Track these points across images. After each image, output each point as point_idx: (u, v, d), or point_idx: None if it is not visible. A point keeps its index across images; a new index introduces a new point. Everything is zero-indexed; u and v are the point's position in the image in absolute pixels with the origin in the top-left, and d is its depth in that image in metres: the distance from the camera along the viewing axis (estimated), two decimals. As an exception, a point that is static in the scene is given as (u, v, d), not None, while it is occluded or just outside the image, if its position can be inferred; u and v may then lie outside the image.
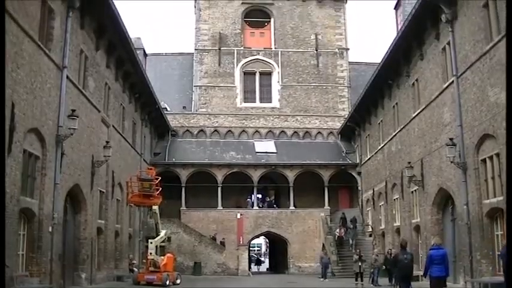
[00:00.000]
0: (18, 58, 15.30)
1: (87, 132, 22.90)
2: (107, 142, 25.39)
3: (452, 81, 21.17)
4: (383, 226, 34.81)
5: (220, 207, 42.50)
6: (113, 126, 27.61)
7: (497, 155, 17.48)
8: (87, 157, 22.96)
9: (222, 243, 40.46)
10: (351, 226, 39.00)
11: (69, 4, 19.68)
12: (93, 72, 23.83)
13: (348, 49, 51.97)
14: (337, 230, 38.54)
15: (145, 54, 47.79)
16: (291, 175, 43.33)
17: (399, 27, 30.75)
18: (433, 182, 24.28)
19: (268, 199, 45.89)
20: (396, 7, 34.42)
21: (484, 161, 18.87)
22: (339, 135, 46.88)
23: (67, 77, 19.62)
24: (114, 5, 22.79)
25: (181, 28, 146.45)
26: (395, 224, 31.39)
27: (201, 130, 47.11)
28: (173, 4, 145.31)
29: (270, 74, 51.30)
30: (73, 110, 19.43)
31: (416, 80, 26.62)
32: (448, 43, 21.76)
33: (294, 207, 43.23)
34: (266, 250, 72.01)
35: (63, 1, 19.30)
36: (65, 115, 19.13)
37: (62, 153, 19.13)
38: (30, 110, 16.30)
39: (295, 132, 47.67)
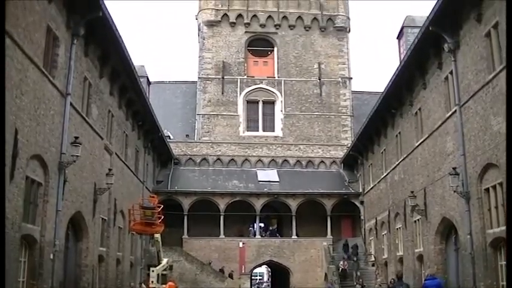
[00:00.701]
0: (23, 85, 15.35)
1: (90, 160, 22.90)
2: (110, 170, 25.39)
3: (455, 111, 21.17)
4: (386, 255, 34.59)
5: (222, 235, 42.40)
6: (116, 153, 27.63)
7: (501, 184, 17.41)
8: (89, 184, 22.93)
9: (221, 271, 40.26)
10: (355, 258, 38.79)
11: (74, 32, 19.78)
12: (97, 100, 23.91)
13: (351, 78, 52.18)
14: (341, 263, 38.33)
15: (148, 82, 48.03)
16: (293, 204, 43.24)
17: (402, 56, 30.95)
18: (436, 211, 24.17)
19: (271, 228, 45.75)
20: (399, 37, 34.64)
21: (487, 190, 18.79)
22: (342, 164, 46.82)
23: (71, 104, 19.67)
24: (119, 33, 22.93)
25: (185, 56, 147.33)
26: (398, 254, 31.19)
27: (204, 158, 47.12)
28: (177, 33, 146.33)
29: (273, 103, 51.45)
30: (76, 137, 19.47)
31: (419, 109, 26.64)
32: (451, 72, 21.80)
33: (296, 236, 43.10)
34: (268, 279, 71.46)
35: (68, 29, 19.42)
36: (68, 142, 19.16)
37: (64, 180, 19.11)
38: (33, 136, 16.32)
39: (298, 161, 47.64)
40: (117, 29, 22.61)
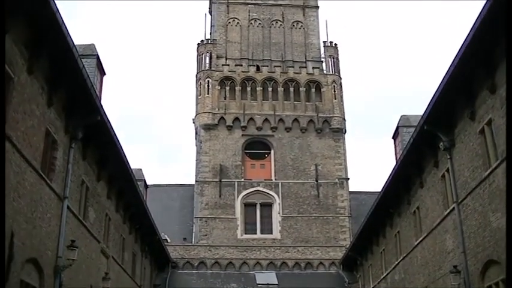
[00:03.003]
0: (20, 188, 15.35)
1: (86, 263, 22.60)
2: (106, 273, 25.04)
3: (453, 208, 21.14)
4: None
5: None
6: (113, 257, 27.31)
7: (503, 281, 17.14)
8: (85, 288, 22.54)
9: None
10: None
11: (72, 135, 19.97)
12: (94, 203, 23.87)
13: (348, 179, 52.46)
14: None
15: (146, 186, 48.00)
16: (293, 307, 42.44)
17: (398, 156, 31.10)
18: (439, 311, 23.69)
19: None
20: (394, 136, 34.92)
21: (489, 287, 18.49)
22: (341, 266, 46.16)
23: (68, 207, 19.60)
24: (116, 137, 23.17)
25: (182, 159, 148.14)
26: None
27: (202, 262, 46.54)
28: (174, 136, 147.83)
29: (270, 205, 51.46)
30: (73, 241, 19.29)
31: (417, 207, 26.59)
32: (447, 170, 21.91)
33: None
34: None
35: (67, 132, 19.61)
36: (64, 245, 18.95)
37: (60, 284, 18.76)
38: (29, 239, 16.16)
39: (296, 263, 47.05)
40: (115, 133, 22.85)
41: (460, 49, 17.36)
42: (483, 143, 18.49)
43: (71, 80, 18.23)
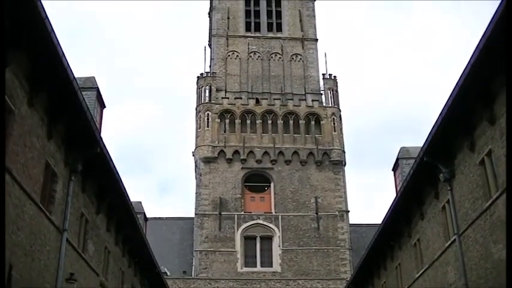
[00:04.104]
0: (19, 220, 15.28)
1: (85, 297, 22.43)
2: (105, 307, 24.84)
3: (454, 240, 21.00)
4: None
5: None
6: (112, 291, 27.13)
7: (505, 313, 17.01)
8: (84, 323, 22.32)
9: None
10: None
11: (72, 168, 19.95)
12: (93, 236, 23.75)
13: (348, 211, 52.43)
14: None
15: (145, 219, 47.84)
16: None
17: (398, 188, 31.06)
18: None
19: None
20: (394, 168, 34.91)
21: (493, 320, 18.34)
22: (342, 299, 45.95)
23: (67, 240, 19.49)
24: (116, 170, 23.15)
25: (182, 191, 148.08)
26: None
27: (202, 295, 46.28)
28: (174, 168, 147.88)
29: (270, 238, 51.33)
30: (71, 274, 19.18)
31: (418, 239, 26.46)
32: (448, 201, 21.84)
33: None
34: None
35: (66, 165, 19.60)
36: (63, 278, 18.81)
37: (58, 318, 18.63)
38: (27, 272, 16.05)
39: (297, 296, 46.80)
40: (114, 166, 22.84)
41: (458, 81, 17.42)
42: (483, 174, 18.46)
43: (71, 112, 18.27)
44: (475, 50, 15.86)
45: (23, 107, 15.36)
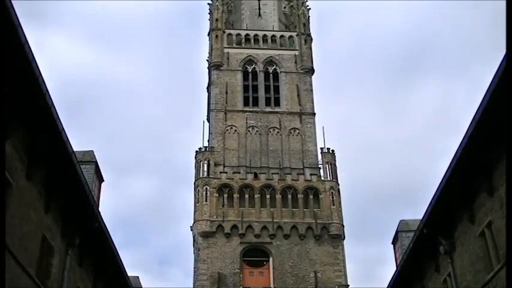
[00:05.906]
0: (15, 294, 15.06)
1: None
2: None
3: (457, 313, 20.71)
4: None
5: None
6: None
7: None
8: None
9: None
10: None
11: (69, 242, 19.77)
12: (90, 311, 23.38)
13: (348, 285, 51.90)
14: None
15: (143, 294, 47.24)
16: None
17: (398, 261, 30.75)
18: None
19: None
20: (394, 241, 34.65)
21: None
22: None
23: (63, 316, 19.19)
24: (114, 244, 23.04)
25: (181, 265, 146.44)
26: None
27: None
28: (173, 244, 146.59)
29: (270, 313, 50.51)
30: None
31: (420, 314, 26.05)
32: (449, 275, 21.59)
33: None
34: None
35: (63, 238, 19.43)
36: None
37: None
38: None
39: None
40: (112, 240, 22.72)
41: (456, 153, 17.50)
42: (484, 245, 18.31)
43: (69, 186, 18.26)
44: (471, 122, 15.96)
45: (21, 180, 15.35)
